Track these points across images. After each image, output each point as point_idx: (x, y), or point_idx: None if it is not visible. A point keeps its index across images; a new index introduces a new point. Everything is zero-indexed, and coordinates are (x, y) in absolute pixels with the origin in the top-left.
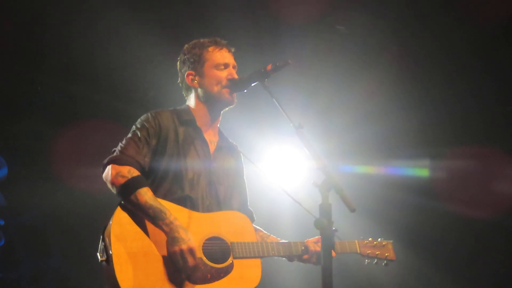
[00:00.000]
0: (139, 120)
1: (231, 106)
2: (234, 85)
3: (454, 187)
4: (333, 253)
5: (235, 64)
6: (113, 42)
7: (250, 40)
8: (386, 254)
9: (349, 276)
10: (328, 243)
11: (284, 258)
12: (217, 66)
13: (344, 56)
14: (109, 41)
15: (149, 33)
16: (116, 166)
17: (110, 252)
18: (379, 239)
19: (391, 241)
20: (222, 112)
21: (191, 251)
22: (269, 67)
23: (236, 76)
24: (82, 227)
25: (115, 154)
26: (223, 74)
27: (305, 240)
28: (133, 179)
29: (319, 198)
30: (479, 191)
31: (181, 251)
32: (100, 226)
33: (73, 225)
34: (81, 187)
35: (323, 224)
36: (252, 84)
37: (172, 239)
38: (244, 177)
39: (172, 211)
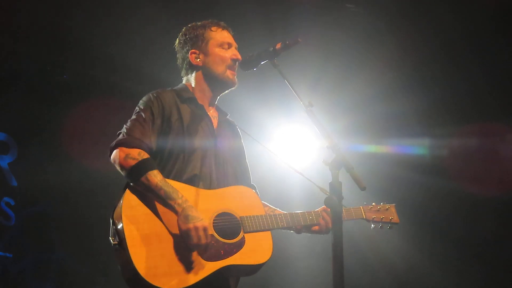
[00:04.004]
0: (141, 101)
1: (232, 88)
2: (243, 63)
3: (461, 165)
4: None
5: (236, 45)
6: (123, 22)
7: (260, 19)
8: (390, 218)
9: (358, 254)
10: (338, 220)
11: (292, 231)
12: (221, 45)
13: (354, 35)
14: (119, 21)
15: (157, 13)
16: (125, 149)
17: (123, 235)
18: (382, 203)
19: (394, 204)
20: (221, 94)
21: (205, 229)
22: (279, 45)
23: (239, 56)
24: (93, 210)
25: (121, 136)
26: (227, 53)
27: (312, 211)
28: (144, 161)
29: (329, 177)
30: (485, 169)
31: (196, 228)
32: (108, 205)
33: (83, 207)
34: (92, 166)
35: (334, 202)
36: (262, 63)
37: (185, 217)
38: (245, 156)
39: (181, 190)
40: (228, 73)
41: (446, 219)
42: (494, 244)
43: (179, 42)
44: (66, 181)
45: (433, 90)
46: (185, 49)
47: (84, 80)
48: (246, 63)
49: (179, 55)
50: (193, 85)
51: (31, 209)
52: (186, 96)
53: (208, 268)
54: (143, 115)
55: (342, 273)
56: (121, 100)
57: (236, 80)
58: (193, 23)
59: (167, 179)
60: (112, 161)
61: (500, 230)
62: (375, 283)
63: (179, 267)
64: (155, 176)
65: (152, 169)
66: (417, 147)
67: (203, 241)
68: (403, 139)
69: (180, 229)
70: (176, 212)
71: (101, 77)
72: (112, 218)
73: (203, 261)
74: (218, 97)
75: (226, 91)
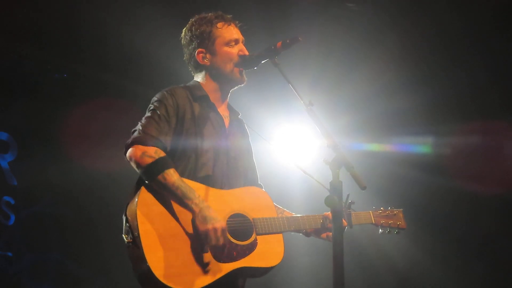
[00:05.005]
0: (155, 98)
1: (241, 85)
2: (244, 62)
3: (463, 164)
4: (344, 222)
5: (243, 38)
6: (123, 21)
7: (260, 17)
8: (398, 223)
9: (359, 252)
10: (338, 220)
11: (300, 234)
12: (228, 43)
13: (354, 33)
14: (119, 21)
15: (160, 12)
16: (141, 147)
17: (137, 234)
18: (390, 208)
19: (402, 209)
20: (231, 90)
21: (223, 230)
22: (279, 44)
23: (246, 52)
24: (93, 210)
25: (137, 134)
26: (234, 50)
27: (324, 214)
28: (161, 159)
29: (329, 176)
30: (487, 167)
31: (215, 229)
32: (110, 205)
33: (85, 204)
34: (92, 166)
35: (334, 201)
36: (262, 62)
37: (203, 217)
38: (253, 155)
39: (195, 190)
40: (236, 71)
41: (447, 218)
42: (495, 242)
43: (185, 38)
44: (66, 180)
45: (435, 87)
46: (191, 47)
47: (84, 80)
48: (247, 62)
49: (186, 51)
50: (204, 83)
51: (30, 208)
52: (199, 94)
53: (221, 269)
54: (158, 113)
55: (342, 271)
56: (122, 100)
57: (245, 77)
58: (199, 17)
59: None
60: (127, 158)
61: (501, 229)
62: (376, 281)
63: (193, 268)
64: (172, 175)
65: (169, 167)
66: (418, 145)
67: (221, 242)
68: (404, 137)
69: (197, 229)
70: (193, 211)
71: (101, 77)
72: (126, 216)
73: (216, 263)
74: (229, 94)
75: (235, 88)
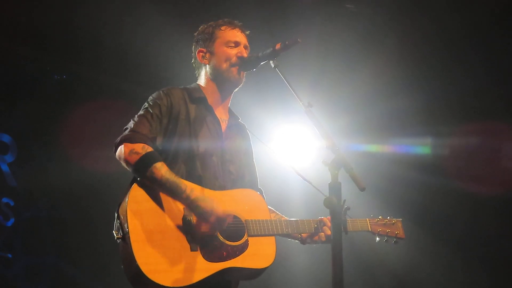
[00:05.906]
0: (150, 97)
1: (239, 86)
2: (243, 63)
3: (462, 164)
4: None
5: (247, 44)
6: (123, 23)
7: (259, 19)
8: (396, 232)
9: (358, 254)
10: (337, 221)
11: (297, 241)
12: (227, 44)
13: (353, 34)
14: (118, 22)
15: (159, 14)
16: (129, 144)
17: (127, 230)
18: (389, 217)
19: (401, 219)
20: (233, 92)
21: (219, 218)
22: (278, 45)
23: (245, 55)
24: (92, 211)
25: (127, 132)
26: (233, 51)
27: (319, 218)
28: (147, 154)
29: (328, 177)
30: (487, 168)
31: (212, 225)
32: (110, 207)
33: (84, 206)
34: (92, 167)
35: (333, 203)
36: (262, 63)
37: (199, 215)
38: (254, 159)
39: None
40: (233, 69)
41: (447, 219)
42: (495, 244)
43: (193, 42)
44: (65, 182)
45: (435, 88)
46: (195, 48)
47: (83, 81)
48: (245, 64)
49: (192, 55)
50: (203, 85)
51: (30, 210)
52: (196, 96)
53: (209, 268)
54: (151, 111)
55: (341, 273)
56: (121, 101)
57: (242, 77)
58: (209, 23)
59: None
60: (117, 157)
61: (501, 230)
62: (375, 283)
63: (181, 265)
64: (159, 169)
65: (156, 161)
66: (418, 146)
67: (228, 222)
68: (403, 138)
69: (200, 225)
70: (185, 205)
71: (101, 78)
72: (117, 213)
73: (205, 261)
74: (229, 98)
75: (235, 90)
